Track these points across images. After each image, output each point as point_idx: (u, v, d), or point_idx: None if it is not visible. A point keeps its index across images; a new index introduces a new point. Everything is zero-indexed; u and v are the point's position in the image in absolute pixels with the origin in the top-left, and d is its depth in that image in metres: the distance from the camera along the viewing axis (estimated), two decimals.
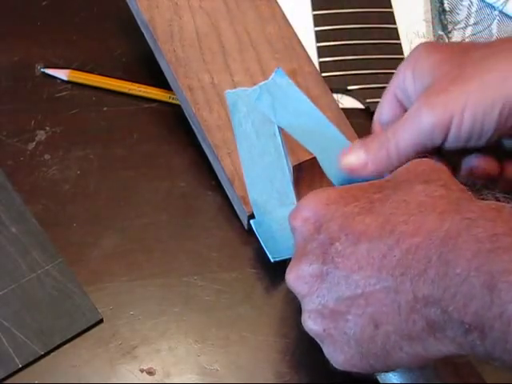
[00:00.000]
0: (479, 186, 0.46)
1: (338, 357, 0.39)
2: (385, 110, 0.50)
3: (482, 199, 0.37)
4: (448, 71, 0.44)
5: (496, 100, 0.42)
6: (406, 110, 0.48)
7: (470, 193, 0.38)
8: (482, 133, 0.43)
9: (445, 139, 0.43)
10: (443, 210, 0.36)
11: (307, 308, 0.39)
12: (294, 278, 0.40)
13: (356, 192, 0.39)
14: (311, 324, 0.39)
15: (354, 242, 0.37)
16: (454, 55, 0.45)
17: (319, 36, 0.64)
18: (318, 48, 0.63)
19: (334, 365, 0.39)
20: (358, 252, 0.37)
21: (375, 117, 0.51)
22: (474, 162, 0.46)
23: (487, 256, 0.32)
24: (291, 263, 0.41)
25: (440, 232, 0.34)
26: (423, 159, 0.41)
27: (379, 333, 0.36)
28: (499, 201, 0.41)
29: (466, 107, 0.42)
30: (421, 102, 0.44)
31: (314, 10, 0.66)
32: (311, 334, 0.40)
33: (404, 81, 0.47)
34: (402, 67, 0.48)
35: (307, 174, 0.53)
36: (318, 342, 0.40)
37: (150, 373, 0.48)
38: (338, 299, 0.37)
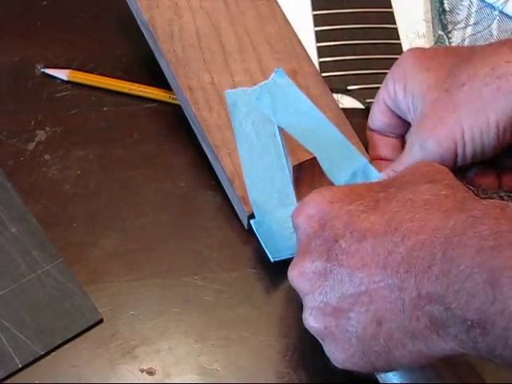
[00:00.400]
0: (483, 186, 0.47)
1: (338, 355, 0.39)
2: (377, 117, 0.53)
3: (486, 198, 0.37)
4: (437, 98, 0.47)
5: (490, 120, 0.45)
6: (397, 117, 0.52)
7: (472, 193, 0.38)
8: (484, 150, 0.46)
9: (454, 163, 0.47)
10: (448, 208, 0.36)
11: (309, 305, 0.39)
12: (297, 275, 0.40)
13: (360, 190, 0.40)
14: (312, 321, 0.39)
15: (358, 239, 0.37)
16: (441, 76, 0.48)
17: (319, 36, 0.64)
18: (318, 48, 0.63)
19: (334, 363, 0.39)
20: (362, 249, 0.37)
21: (368, 123, 0.54)
22: (473, 176, 0.50)
23: (490, 253, 0.32)
24: (294, 260, 0.41)
25: (445, 230, 0.35)
26: (428, 161, 0.42)
27: (382, 330, 0.36)
28: (503, 199, 0.41)
29: (463, 132, 0.46)
30: (420, 136, 0.47)
31: (314, 10, 0.66)
32: (312, 332, 0.40)
33: (396, 95, 0.50)
34: (390, 79, 0.51)
35: (307, 173, 0.53)
36: (319, 339, 0.40)
37: (150, 373, 0.48)
38: (340, 297, 0.38)
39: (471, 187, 0.39)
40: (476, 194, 0.38)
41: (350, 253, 0.37)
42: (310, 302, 0.39)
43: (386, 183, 0.40)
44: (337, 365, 0.39)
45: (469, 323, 0.33)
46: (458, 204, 0.36)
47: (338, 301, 0.38)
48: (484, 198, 0.37)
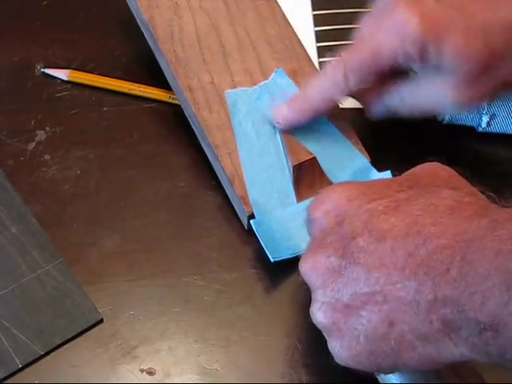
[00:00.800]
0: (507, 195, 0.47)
1: (343, 352, 0.38)
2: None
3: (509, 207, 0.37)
4: None
5: None
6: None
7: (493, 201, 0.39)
8: None
9: None
10: (471, 213, 0.36)
11: (319, 300, 0.39)
12: (309, 269, 0.39)
13: (378, 189, 0.39)
14: (321, 316, 0.39)
15: (377, 239, 0.37)
16: None
17: (319, 36, 0.64)
18: (318, 48, 0.63)
19: (337, 360, 0.39)
20: (381, 249, 0.37)
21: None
22: None
23: (507, 256, 0.32)
24: (306, 253, 0.40)
25: (466, 234, 0.35)
26: (440, 164, 0.42)
27: (393, 331, 0.36)
28: None
29: None
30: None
31: (314, 10, 0.66)
32: (319, 327, 0.40)
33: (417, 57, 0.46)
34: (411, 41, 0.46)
35: (307, 173, 0.53)
36: (325, 335, 0.40)
37: (150, 373, 0.48)
38: (353, 294, 0.37)
39: (492, 195, 0.39)
40: (498, 200, 0.38)
41: (368, 252, 0.37)
42: (320, 297, 0.39)
43: (403, 182, 0.40)
44: (339, 362, 0.39)
45: (481, 326, 0.33)
46: (481, 210, 0.36)
47: (350, 298, 0.38)
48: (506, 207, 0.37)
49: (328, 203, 0.40)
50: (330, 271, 0.38)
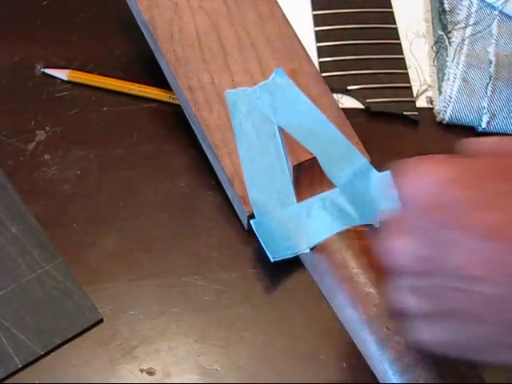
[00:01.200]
0: None
1: (429, 337, 0.37)
2: None
3: None
4: None
5: None
6: None
7: None
8: None
9: None
10: None
11: (406, 284, 0.37)
12: (395, 251, 0.37)
13: (473, 176, 0.36)
14: (409, 300, 0.37)
15: (466, 234, 0.35)
16: None
17: (319, 36, 0.64)
18: (318, 48, 0.63)
19: (421, 343, 0.38)
20: (469, 246, 0.35)
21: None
22: None
23: None
24: (392, 232, 0.38)
25: None
26: None
27: (479, 330, 0.35)
28: None
29: None
30: None
31: (314, 10, 0.66)
32: (405, 310, 0.38)
33: None
34: None
35: (307, 173, 0.53)
36: (409, 320, 0.38)
37: (150, 373, 0.48)
38: (439, 286, 0.36)
39: None
40: None
41: (455, 246, 0.35)
42: (407, 281, 0.37)
43: (498, 171, 0.36)
44: (424, 346, 0.38)
45: None
46: None
47: (436, 289, 0.36)
48: None
49: (423, 182, 0.37)
50: (417, 257, 0.36)
